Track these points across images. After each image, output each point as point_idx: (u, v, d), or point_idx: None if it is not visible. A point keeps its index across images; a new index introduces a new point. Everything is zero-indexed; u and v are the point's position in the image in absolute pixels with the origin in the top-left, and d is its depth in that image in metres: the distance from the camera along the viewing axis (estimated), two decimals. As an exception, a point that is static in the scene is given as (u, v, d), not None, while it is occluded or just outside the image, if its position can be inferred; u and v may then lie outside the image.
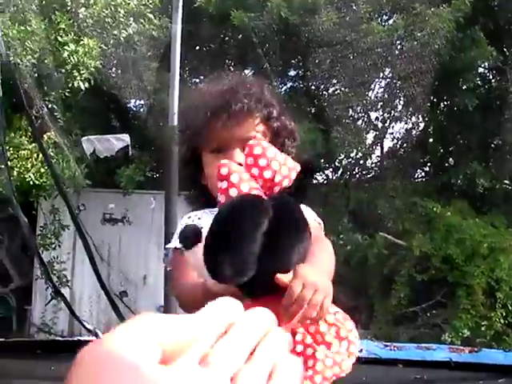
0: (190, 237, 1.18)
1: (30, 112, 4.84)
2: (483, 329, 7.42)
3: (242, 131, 1.55)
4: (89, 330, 4.49)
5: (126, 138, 7.03)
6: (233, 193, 1.14)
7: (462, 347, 4.94)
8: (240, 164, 1.43)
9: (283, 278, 1.10)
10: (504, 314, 7.43)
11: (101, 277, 4.67)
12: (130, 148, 7.05)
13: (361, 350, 4.45)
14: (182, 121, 1.83)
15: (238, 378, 0.42)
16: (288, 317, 1.12)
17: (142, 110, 8.35)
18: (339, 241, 8.26)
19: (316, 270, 1.19)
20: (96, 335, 4.39)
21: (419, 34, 7.48)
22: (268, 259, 1.06)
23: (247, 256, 1.05)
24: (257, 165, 1.18)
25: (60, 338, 6.27)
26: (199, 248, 1.11)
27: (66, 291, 7.04)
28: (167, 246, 1.61)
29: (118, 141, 7.06)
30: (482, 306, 7.51)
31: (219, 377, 0.41)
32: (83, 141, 6.85)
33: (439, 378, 3.97)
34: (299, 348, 1.21)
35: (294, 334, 1.20)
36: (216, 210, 1.54)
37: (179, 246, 1.43)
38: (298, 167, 1.18)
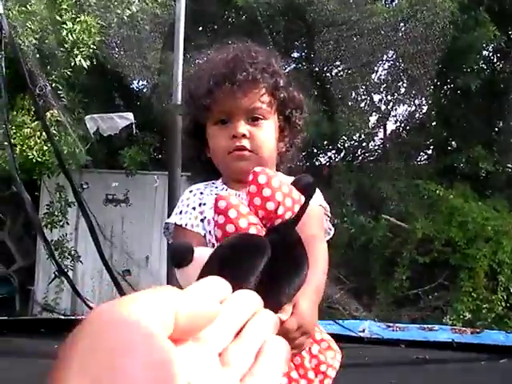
0: (182, 256, 1.08)
1: (33, 90, 4.86)
2: (484, 311, 7.50)
3: (246, 101, 1.49)
4: (91, 309, 4.53)
5: (130, 116, 7.02)
6: (229, 229, 1.11)
7: (464, 328, 5.00)
8: (244, 135, 1.45)
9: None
10: (505, 296, 7.51)
11: (104, 255, 4.71)
12: (133, 126, 7.06)
13: (363, 331, 4.55)
14: (185, 92, 1.74)
15: (226, 354, 0.44)
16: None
17: (145, 89, 8.37)
18: (343, 223, 8.34)
19: (311, 303, 1.22)
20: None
21: (423, 15, 7.48)
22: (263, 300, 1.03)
23: None
24: (260, 194, 1.13)
25: (63, 317, 6.33)
26: (190, 267, 1.04)
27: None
28: (167, 221, 1.59)
29: (122, 119, 7.04)
30: (484, 288, 7.60)
31: (209, 352, 0.43)
32: (86, 119, 6.83)
33: (441, 359, 4.03)
34: (284, 381, 1.26)
35: None
36: (219, 182, 1.56)
37: (179, 221, 1.48)
38: (303, 199, 1.13)
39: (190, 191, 1.58)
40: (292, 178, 1.47)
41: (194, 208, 1.51)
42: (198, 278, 1.00)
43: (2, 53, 3.83)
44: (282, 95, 1.53)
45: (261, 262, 0.99)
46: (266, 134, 1.50)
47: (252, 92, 1.49)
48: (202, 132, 1.57)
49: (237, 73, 1.46)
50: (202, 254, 1.03)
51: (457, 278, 7.82)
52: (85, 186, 7.61)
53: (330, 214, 1.59)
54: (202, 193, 1.56)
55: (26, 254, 8.63)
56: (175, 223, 1.52)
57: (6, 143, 5.25)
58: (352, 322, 4.84)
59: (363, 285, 8.44)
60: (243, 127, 1.47)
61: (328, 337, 1.43)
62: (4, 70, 3.87)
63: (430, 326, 4.94)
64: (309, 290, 1.18)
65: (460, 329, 4.92)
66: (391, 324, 4.76)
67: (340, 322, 4.59)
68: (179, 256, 1.06)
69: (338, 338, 3.71)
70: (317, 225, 1.46)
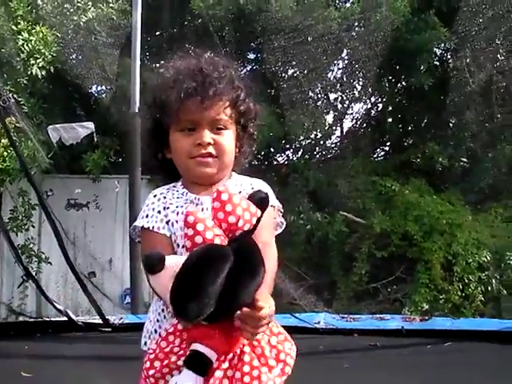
0: (155, 264, 1.35)
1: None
2: (441, 302, 7.90)
3: (212, 113, 1.70)
4: (59, 311, 4.82)
5: (91, 125, 7.36)
6: (198, 240, 1.36)
7: (414, 317, 5.40)
8: (209, 143, 1.70)
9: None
10: (461, 286, 7.90)
11: (69, 258, 4.98)
12: (94, 135, 7.38)
13: (319, 322, 4.91)
14: (150, 96, 1.86)
15: None
16: (253, 329, 1.41)
17: (103, 95, 8.63)
18: (299, 220, 8.68)
19: (268, 292, 1.51)
20: (67, 315, 4.75)
21: (374, 19, 7.89)
22: (228, 299, 1.31)
23: (208, 301, 1.28)
24: (223, 209, 1.40)
25: (30, 319, 6.59)
26: (162, 273, 1.33)
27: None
28: (135, 224, 1.75)
29: (83, 128, 7.38)
30: (441, 279, 7.98)
31: None
32: (49, 129, 7.15)
33: (392, 344, 4.42)
34: (246, 368, 1.46)
35: (242, 354, 1.46)
36: (179, 185, 1.80)
37: (146, 224, 1.69)
38: (259, 213, 1.43)
39: (154, 195, 1.77)
40: (245, 178, 1.80)
41: (159, 212, 1.71)
42: (174, 283, 1.28)
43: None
44: (241, 108, 1.79)
45: (225, 268, 1.30)
46: (228, 142, 1.74)
47: (218, 105, 1.71)
48: (162, 134, 1.77)
49: (206, 87, 1.68)
50: (172, 262, 1.35)
51: (414, 270, 8.19)
52: (49, 194, 7.86)
53: (282, 211, 1.85)
54: (165, 197, 1.75)
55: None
56: (142, 226, 1.71)
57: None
58: (308, 314, 5.21)
59: (323, 280, 8.79)
60: (208, 136, 1.70)
61: (284, 330, 1.65)
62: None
63: (381, 315, 5.31)
64: (264, 288, 1.46)
65: (410, 317, 5.30)
66: (345, 315, 5.12)
67: (296, 315, 4.94)
68: (152, 263, 1.35)
69: (294, 329, 4.20)
70: (268, 232, 1.71)
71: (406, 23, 8.11)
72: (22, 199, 7.67)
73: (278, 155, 10.25)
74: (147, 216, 1.72)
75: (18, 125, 6.59)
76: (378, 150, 10.41)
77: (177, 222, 1.66)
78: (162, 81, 1.81)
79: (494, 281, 7.99)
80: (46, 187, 8.11)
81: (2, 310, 8.13)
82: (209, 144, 1.71)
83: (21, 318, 7.33)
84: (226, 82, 1.73)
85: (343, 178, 8.99)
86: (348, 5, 8.67)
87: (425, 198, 8.58)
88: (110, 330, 4.77)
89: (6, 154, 6.68)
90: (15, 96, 6.50)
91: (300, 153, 10.11)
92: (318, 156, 10.15)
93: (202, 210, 1.63)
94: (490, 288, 7.95)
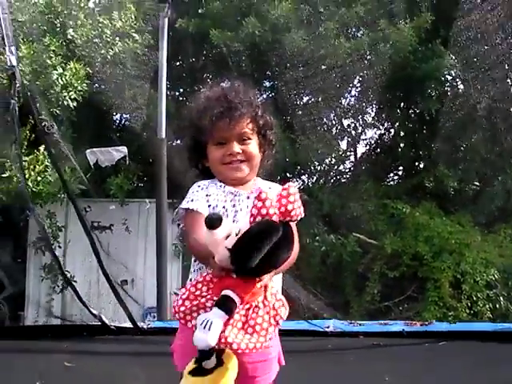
0: (215, 221, 1.76)
1: (40, 127, 5.80)
2: (450, 319, 8.28)
3: (238, 130, 2.23)
4: (94, 315, 5.46)
5: (124, 149, 8.20)
6: (263, 212, 1.74)
7: (414, 322, 5.95)
8: (238, 153, 2.24)
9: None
10: (469, 304, 8.35)
11: (104, 267, 5.61)
12: (127, 158, 8.17)
13: (328, 327, 5.50)
14: (188, 119, 2.37)
15: None
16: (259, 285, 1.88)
17: (127, 123, 9.37)
18: (315, 242, 9.25)
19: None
20: (100, 319, 5.39)
21: (384, 49, 8.54)
22: (267, 262, 1.74)
23: (256, 261, 1.71)
24: (281, 203, 1.79)
25: (68, 323, 7.27)
26: (218, 230, 1.74)
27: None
28: (181, 207, 2.20)
29: (118, 152, 8.21)
30: (449, 297, 8.43)
31: None
32: (87, 152, 7.97)
33: (393, 343, 5.03)
34: (259, 320, 1.88)
35: (257, 307, 1.89)
36: (217, 180, 2.30)
37: (192, 206, 2.18)
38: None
39: (198, 186, 2.25)
40: (265, 181, 2.38)
41: (202, 197, 2.21)
42: (241, 240, 1.74)
43: (16, 100, 4.76)
44: (260, 122, 2.31)
45: (274, 239, 1.73)
46: (253, 149, 2.28)
47: (241, 123, 2.24)
48: (200, 149, 2.30)
49: (231, 111, 2.21)
50: (227, 225, 1.80)
51: (424, 289, 8.65)
52: (88, 210, 8.55)
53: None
54: (207, 187, 2.22)
55: (15, 281, 9.28)
56: (188, 208, 2.17)
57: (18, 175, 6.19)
58: (319, 320, 5.80)
59: (337, 300, 9.29)
60: (237, 147, 2.23)
61: (283, 298, 2.04)
62: (17, 116, 4.78)
63: (385, 321, 5.88)
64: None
65: (411, 322, 5.85)
66: (353, 322, 5.71)
67: (309, 321, 5.55)
68: (213, 220, 1.79)
69: (306, 332, 4.98)
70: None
71: (413, 52, 8.70)
72: (50, 221, 8.36)
73: (294, 180, 10.81)
74: (192, 200, 2.20)
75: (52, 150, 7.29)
76: (391, 174, 10.87)
77: (217, 206, 2.18)
78: (195, 107, 2.34)
79: (502, 298, 8.44)
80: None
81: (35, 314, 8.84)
82: (238, 153, 2.26)
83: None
84: (246, 104, 2.26)
85: (356, 201, 9.45)
86: (358, 35, 9.33)
87: (435, 219, 9.05)
88: (139, 333, 5.40)
89: (39, 178, 7.39)
90: (49, 123, 7.17)
91: (315, 178, 10.62)
92: (332, 180, 10.59)
93: (239, 200, 2.19)
94: (498, 305, 8.39)
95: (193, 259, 2.28)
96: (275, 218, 1.77)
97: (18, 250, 9.31)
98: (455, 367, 4.27)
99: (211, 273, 1.94)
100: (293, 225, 1.88)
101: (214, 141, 2.27)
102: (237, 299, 1.83)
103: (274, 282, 2.03)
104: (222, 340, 1.79)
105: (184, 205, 2.21)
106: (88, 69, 7.73)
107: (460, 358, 4.50)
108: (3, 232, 9.03)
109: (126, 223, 9.08)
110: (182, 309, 1.93)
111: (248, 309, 1.89)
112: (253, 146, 2.31)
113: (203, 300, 1.91)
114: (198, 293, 1.93)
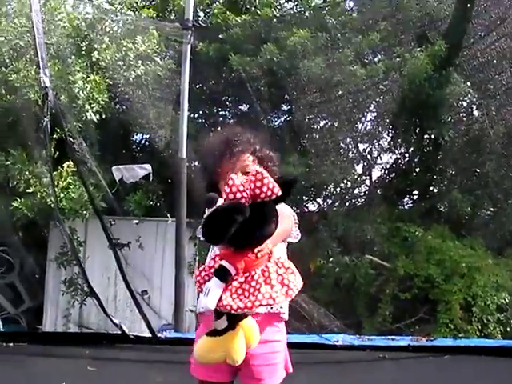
0: (211, 200, 2.22)
1: (70, 143, 6.24)
2: (461, 341, 8.63)
3: (240, 163, 2.65)
4: (115, 324, 5.84)
5: (148, 167, 8.63)
6: (230, 196, 2.15)
7: (421, 337, 6.25)
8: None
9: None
10: (480, 326, 8.50)
11: (126, 277, 5.99)
12: (151, 175, 8.63)
13: (337, 341, 5.83)
14: (201, 163, 2.94)
15: None
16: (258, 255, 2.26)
17: (148, 142, 9.83)
18: (329, 264, 9.60)
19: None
20: (121, 328, 5.76)
21: (398, 75, 8.93)
22: (243, 237, 2.16)
23: (220, 235, 2.12)
24: (250, 188, 2.18)
25: (89, 331, 7.67)
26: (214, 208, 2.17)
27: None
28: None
29: (142, 169, 8.66)
30: (460, 320, 8.61)
31: None
32: (113, 169, 8.41)
33: (398, 357, 5.36)
34: (253, 283, 2.20)
35: (254, 274, 2.23)
36: None
37: None
38: (280, 193, 2.20)
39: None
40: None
41: None
42: (206, 218, 2.17)
43: (48, 118, 5.18)
44: (259, 155, 2.75)
45: (238, 217, 2.12)
46: None
47: (242, 157, 2.68)
48: (215, 188, 2.61)
49: (232, 150, 2.67)
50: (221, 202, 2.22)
51: (436, 311, 8.83)
52: (113, 223, 8.93)
53: (297, 221, 2.79)
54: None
55: (33, 295, 9.63)
56: None
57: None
58: (329, 335, 6.12)
59: (350, 321, 9.56)
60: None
61: (294, 268, 2.36)
62: (48, 133, 5.20)
63: (393, 336, 6.18)
64: (274, 236, 2.34)
65: (417, 338, 6.15)
66: (362, 336, 6.03)
67: (320, 335, 5.89)
68: (209, 200, 2.26)
69: (316, 345, 5.45)
70: (287, 212, 2.67)
71: (428, 79, 9.02)
72: (71, 236, 8.75)
73: (310, 203, 11.14)
74: None
75: (74, 169, 7.71)
76: (406, 198, 11.08)
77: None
78: (204, 150, 2.88)
79: (512, 322, 8.73)
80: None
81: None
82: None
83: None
84: (244, 142, 2.72)
85: (370, 224, 9.69)
86: (375, 61, 9.71)
87: (447, 243, 9.28)
88: (157, 342, 5.76)
89: (62, 195, 7.81)
90: (73, 140, 7.61)
91: (330, 201, 10.91)
92: (347, 204, 10.83)
93: None
94: (508, 328, 8.60)
95: None
96: (244, 201, 2.16)
97: (38, 265, 9.65)
98: (457, 378, 4.59)
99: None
100: (283, 208, 2.37)
101: (222, 177, 2.66)
102: (231, 268, 2.19)
103: (276, 252, 2.40)
104: (219, 304, 2.15)
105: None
106: (109, 81, 8.14)
107: (462, 370, 4.83)
108: (23, 247, 9.43)
109: (143, 241, 9.41)
110: (198, 278, 2.31)
111: (247, 276, 2.24)
112: None
113: (212, 270, 2.28)
114: (211, 264, 2.31)
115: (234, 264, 2.20)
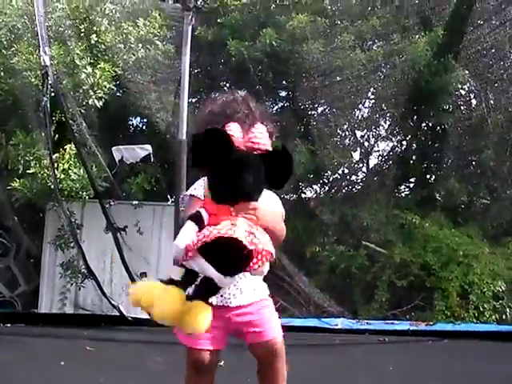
0: (200, 219, 2.20)
1: (71, 127, 6.18)
2: (457, 328, 8.63)
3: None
4: (113, 306, 5.82)
5: (149, 147, 8.58)
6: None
7: (420, 322, 6.24)
8: None
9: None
10: (476, 314, 8.48)
11: (125, 259, 5.96)
12: (151, 156, 8.57)
13: (337, 324, 5.82)
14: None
15: None
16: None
17: (145, 126, 9.80)
18: (323, 252, 9.58)
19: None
20: (119, 310, 5.74)
21: (398, 61, 8.90)
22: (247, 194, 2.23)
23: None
24: (249, 140, 2.24)
25: (88, 312, 7.64)
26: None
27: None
28: (185, 193, 2.69)
29: (142, 150, 8.60)
30: (457, 307, 8.63)
31: None
32: (113, 149, 8.35)
33: (398, 340, 5.36)
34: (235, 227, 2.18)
35: (236, 221, 2.19)
36: None
37: (194, 193, 2.61)
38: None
39: (203, 179, 2.53)
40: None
41: (201, 185, 2.55)
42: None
43: (48, 96, 5.13)
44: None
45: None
46: None
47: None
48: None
49: (234, 114, 2.61)
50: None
51: (432, 299, 8.81)
52: (112, 203, 8.86)
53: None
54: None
55: (29, 279, 9.61)
56: (191, 194, 2.61)
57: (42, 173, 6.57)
58: (329, 319, 6.12)
59: (346, 307, 9.55)
60: None
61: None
62: (49, 111, 5.15)
63: (392, 320, 6.18)
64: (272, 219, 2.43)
65: (416, 322, 6.15)
66: (361, 320, 6.02)
67: (320, 319, 5.88)
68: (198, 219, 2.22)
69: (316, 329, 5.43)
70: (282, 209, 2.73)
71: (427, 66, 9.07)
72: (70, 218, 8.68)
73: (307, 189, 11.11)
74: (195, 189, 2.64)
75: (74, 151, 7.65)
76: (402, 185, 11.09)
77: None
78: (205, 113, 2.80)
79: (508, 309, 8.67)
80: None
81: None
82: None
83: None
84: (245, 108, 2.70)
85: (367, 211, 9.74)
86: (374, 47, 9.69)
87: (444, 231, 9.33)
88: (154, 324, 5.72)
89: (62, 176, 7.75)
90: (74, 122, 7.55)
91: (327, 187, 10.90)
92: (343, 191, 10.91)
93: None
94: (504, 316, 8.59)
95: None
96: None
97: (33, 248, 9.61)
98: (456, 361, 4.59)
99: None
100: (279, 205, 2.58)
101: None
102: (204, 214, 2.22)
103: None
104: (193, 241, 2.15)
105: (189, 192, 2.66)
106: (117, 70, 8.10)
107: (461, 353, 4.83)
108: (19, 230, 9.38)
109: (141, 225, 9.36)
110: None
111: (229, 224, 2.19)
112: None
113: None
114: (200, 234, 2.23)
115: (208, 212, 2.23)
